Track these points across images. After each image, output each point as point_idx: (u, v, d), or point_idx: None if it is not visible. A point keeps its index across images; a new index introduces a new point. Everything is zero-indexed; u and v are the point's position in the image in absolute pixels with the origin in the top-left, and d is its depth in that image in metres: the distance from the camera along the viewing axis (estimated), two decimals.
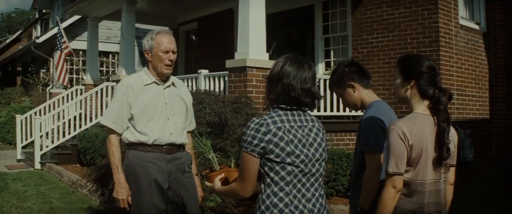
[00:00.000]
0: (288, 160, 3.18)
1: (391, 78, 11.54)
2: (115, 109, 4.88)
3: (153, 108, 4.89)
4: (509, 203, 10.67)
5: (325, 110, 11.42)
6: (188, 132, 5.20)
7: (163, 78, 4.98)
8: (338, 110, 11.59)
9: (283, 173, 3.20)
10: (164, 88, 4.99)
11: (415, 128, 3.45)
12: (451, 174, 3.73)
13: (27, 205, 9.64)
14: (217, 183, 3.51)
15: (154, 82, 4.95)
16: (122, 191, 4.72)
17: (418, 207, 3.51)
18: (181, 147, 5.02)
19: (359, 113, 11.26)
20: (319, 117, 11.23)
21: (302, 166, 3.23)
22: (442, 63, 10.90)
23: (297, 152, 3.22)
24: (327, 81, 11.12)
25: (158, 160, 4.85)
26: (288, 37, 15.67)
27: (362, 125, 4.22)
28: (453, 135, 3.63)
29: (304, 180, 3.25)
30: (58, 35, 18.51)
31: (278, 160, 3.17)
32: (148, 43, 4.89)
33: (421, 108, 3.58)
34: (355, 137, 11.00)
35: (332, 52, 13.94)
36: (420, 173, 3.48)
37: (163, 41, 4.82)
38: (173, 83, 5.06)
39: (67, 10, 18.38)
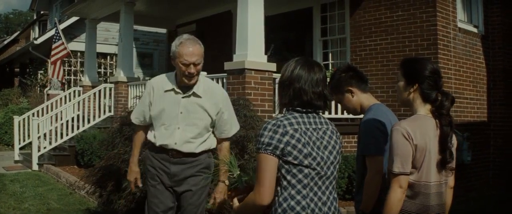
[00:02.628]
0: (306, 162, 3.15)
1: (389, 81, 11.56)
2: (138, 106, 5.24)
3: (167, 115, 4.92)
4: (507, 206, 10.66)
5: (323, 113, 11.37)
6: (223, 139, 5.13)
7: (188, 86, 4.88)
8: (336, 113, 11.60)
9: (300, 176, 3.16)
10: (183, 97, 4.91)
11: (419, 129, 3.46)
12: (451, 178, 3.74)
13: (24, 206, 9.65)
14: (235, 202, 3.44)
15: (173, 89, 4.92)
16: (130, 175, 5.28)
17: (422, 209, 3.52)
18: (191, 154, 4.93)
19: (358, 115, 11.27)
20: None
21: (318, 168, 3.20)
22: (440, 66, 10.85)
23: (314, 154, 3.20)
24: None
25: (163, 160, 4.96)
26: (286, 39, 15.69)
27: (361, 128, 4.23)
28: (453, 139, 3.64)
29: (320, 183, 3.23)
30: (55, 37, 18.50)
31: (295, 162, 3.14)
32: (172, 50, 4.81)
33: (424, 111, 3.59)
34: (353, 140, 10.98)
35: (330, 54, 13.94)
36: (424, 174, 3.49)
37: (184, 53, 4.67)
38: (194, 93, 4.90)
39: (65, 12, 18.39)
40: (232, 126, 5.15)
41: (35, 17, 36.32)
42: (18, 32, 42.07)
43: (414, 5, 11.42)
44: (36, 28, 33.43)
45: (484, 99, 12.58)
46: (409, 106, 3.71)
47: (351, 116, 11.44)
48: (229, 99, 5.17)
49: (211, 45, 17.17)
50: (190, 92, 4.89)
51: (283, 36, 15.74)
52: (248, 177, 3.56)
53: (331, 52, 13.93)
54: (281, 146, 3.12)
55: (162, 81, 5.02)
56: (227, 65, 10.57)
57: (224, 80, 10.84)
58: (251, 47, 10.18)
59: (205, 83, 4.98)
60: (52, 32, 21.03)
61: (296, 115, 3.26)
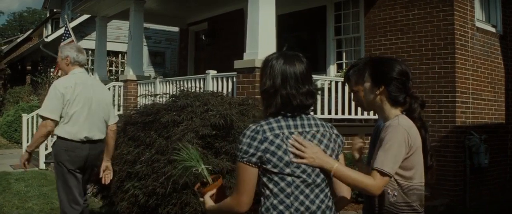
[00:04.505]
0: (287, 170, 2.89)
1: None
2: None
3: None
4: None
5: (336, 113, 11.16)
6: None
7: None
8: (349, 113, 11.32)
9: (282, 184, 2.91)
10: None
11: (413, 129, 3.29)
12: None
13: (28, 205, 9.59)
14: (208, 201, 3.20)
15: None
16: None
17: (421, 208, 3.40)
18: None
19: (372, 115, 11.04)
20: (330, 120, 10.97)
21: (304, 176, 2.92)
22: (457, 66, 10.65)
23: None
24: (339, 83, 10.93)
25: None
26: (299, 38, 15.45)
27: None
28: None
29: (307, 191, 2.94)
30: (64, 35, 18.37)
31: (276, 170, 2.88)
32: None
33: (398, 112, 3.40)
34: (367, 141, 10.64)
35: (344, 54, 13.66)
36: (420, 175, 3.35)
37: None
38: None
39: (75, 9, 18.25)
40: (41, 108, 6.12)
41: (48, 15, 36.31)
42: (31, 30, 42.09)
43: (430, 3, 11.15)
44: (49, 26, 33.39)
45: (502, 100, 12.28)
46: (376, 109, 3.53)
47: (364, 116, 11.30)
48: (52, 88, 6.07)
49: (223, 43, 17.05)
50: None
51: (296, 35, 15.50)
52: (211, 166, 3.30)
53: (345, 51, 13.66)
54: (259, 153, 2.88)
55: None
56: (237, 64, 10.38)
57: (234, 80, 10.65)
58: (262, 45, 10.00)
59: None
60: (63, 30, 20.92)
61: (280, 118, 3.00)
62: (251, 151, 2.87)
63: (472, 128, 10.91)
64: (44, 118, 5.92)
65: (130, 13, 15.34)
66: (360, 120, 11.70)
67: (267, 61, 3.10)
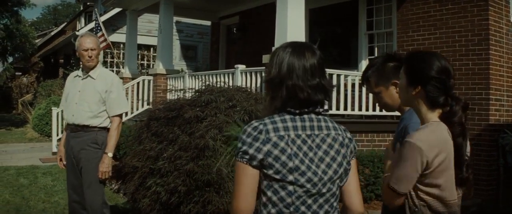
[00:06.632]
0: (290, 177, 2.56)
1: None
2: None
3: (71, 95, 6.18)
4: None
5: (367, 109, 10.99)
6: (114, 116, 6.13)
7: (88, 70, 6.12)
8: (380, 110, 11.10)
9: (283, 193, 2.59)
10: (82, 79, 6.16)
11: (438, 143, 2.90)
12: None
13: (54, 199, 9.59)
14: None
15: (78, 75, 6.25)
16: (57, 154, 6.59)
17: None
18: (84, 127, 5.99)
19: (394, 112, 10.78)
20: (360, 117, 10.83)
21: (308, 185, 2.59)
22: (491, 62, 10.39)
23: (303, 168, 2.58)
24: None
25: (68, 136, 6.15)
26: (331, 33, 15.25)
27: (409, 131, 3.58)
28: (468, 148, 3.13)
29: (310, 201, 2.62)
30: (95, 29, 18.42)
31: (277, 177, 2.56)
32: (76, 45, 6.15)
33: (434, 117, 3.03)
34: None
35: (376, 49, 13.44)
36: (450, 192, 2.96)
37: (82, 42, 6.03)
38: (90, 76, 6.11)
39: (106, 2, 18.24)
40: (118, 105, 6.16)
41: (81, 8, 36.52)
42: (65, 23, 42.39)
43: None
44: (82, 20, 33.59)
45: None
46: (413, 107, 3.17)
47: (396, 113, 11.04)
48: (121, 84, 6.39)
49: (254, 38, 16.94)
50: (87, 75, 6.14)
51: (327, 29, 15.31)
52: None
53: (377, 46, 13.43)
54: (260, 156, 2.55)
55: (74, 72, 6.47)
56: (265, 59, 10.28)
57: (263, 74, 10.50)
58: (291, 40, 9.76)
59: (101, 70, 6.26)
60: (93, 23, 21.00)
61: (286, 117, 2.65)
62: (251, 152, 2.56)
63: (506, 126, 10.62)
64: (121, 115, 6.27)
65: (160, 6, 15.32)
66: (391, 117, 11.46)
67: (275, 50, 2.83)
